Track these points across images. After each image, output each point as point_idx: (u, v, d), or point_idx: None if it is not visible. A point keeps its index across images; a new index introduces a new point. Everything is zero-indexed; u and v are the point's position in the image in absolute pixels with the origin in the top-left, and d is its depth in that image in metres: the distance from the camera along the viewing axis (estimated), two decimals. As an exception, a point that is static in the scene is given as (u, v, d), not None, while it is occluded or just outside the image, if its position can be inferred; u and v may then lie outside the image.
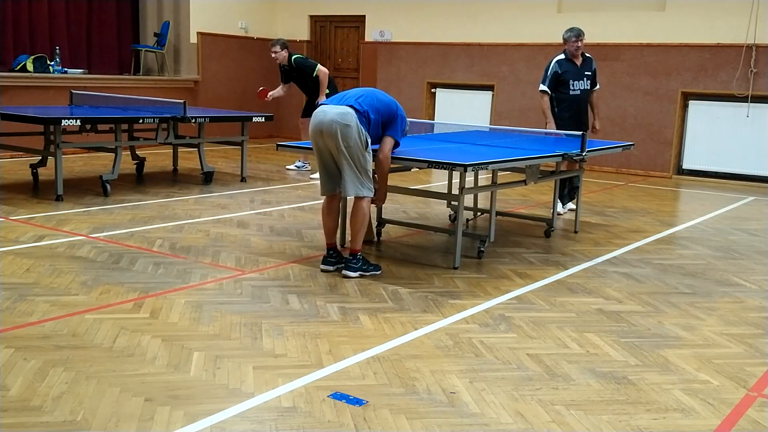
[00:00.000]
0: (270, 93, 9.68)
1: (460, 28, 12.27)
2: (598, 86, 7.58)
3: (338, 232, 5.35)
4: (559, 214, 7.30)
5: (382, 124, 4.94)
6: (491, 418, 3.03)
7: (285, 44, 9.38)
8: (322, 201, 5.18)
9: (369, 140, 4.84)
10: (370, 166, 4.93)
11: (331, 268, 5.07)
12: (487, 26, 12.02)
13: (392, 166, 5.48)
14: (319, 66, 9.33)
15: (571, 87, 7.29)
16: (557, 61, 7.33)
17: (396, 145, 5.04)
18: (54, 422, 2.84)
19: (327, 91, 9.33)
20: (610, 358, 3.74)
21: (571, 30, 7.28)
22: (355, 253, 4.97)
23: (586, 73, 7.38)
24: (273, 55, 9.37)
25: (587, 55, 7.44)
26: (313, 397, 3.13)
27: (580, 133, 6.00)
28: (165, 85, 12.20)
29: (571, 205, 7.56)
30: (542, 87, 7.33)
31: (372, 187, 4.95)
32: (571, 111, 7.31)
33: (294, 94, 10.84)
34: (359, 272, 4.94)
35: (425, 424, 2.96)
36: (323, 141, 4.85)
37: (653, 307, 4.62)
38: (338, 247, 5.22)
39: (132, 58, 12.97)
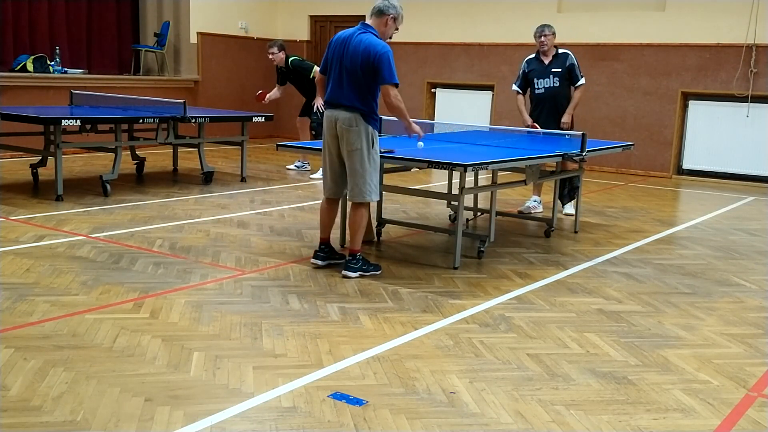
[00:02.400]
0: (267, 95, 9.73)
1: (460, 28, 12.26)
2: (580, 82, 7.14)
3: (339, 232, 5.36)
4: (567, 214, 7.29)
5: (375, 84, 4.82)
6: (491, 418, 3.03)
7: (282, 46, 9.45)
8: (322, 200, 5.19)
9: (377, 136, 4.88)
10: (378, 166, 4.97)
11: (321, 262, 5.09)
12: (487, 26, 12.01)
13: (392, 165, 5.50)
14: (315, 68, 9.36)
15: (536, 86, 7.24)
16: (526, 60, 7.34)
17: (395, 86, 4.78)
18: (54, 422, 2.84)
19: None
20: (610, 358, 3.74)
21: (537, 27, 7.21)
22: (354, 254, 4.97)
23: (553, 70, 7.13)
24: (270, 57, 9.46)
25: (562, 51, 7.16)
26: (313, 397, 3.13)
27: (581, 133, 6.00)
28: (165, 85, 12.20)
29: (533, 206, 7.43)
30: (514, 87, 7.44)
31: (377, 191, 4.97)
32: (539, 109, 7.26)
33: (294, 95, 10.82)
34: (359, 272, 4.94)
35: (425, 424, 2.96)
36: (333, 142, 4.93)
37: (653, 307, 4.62)
38: (340, 247, 5.22)
39: (132, 58, 12.97)
